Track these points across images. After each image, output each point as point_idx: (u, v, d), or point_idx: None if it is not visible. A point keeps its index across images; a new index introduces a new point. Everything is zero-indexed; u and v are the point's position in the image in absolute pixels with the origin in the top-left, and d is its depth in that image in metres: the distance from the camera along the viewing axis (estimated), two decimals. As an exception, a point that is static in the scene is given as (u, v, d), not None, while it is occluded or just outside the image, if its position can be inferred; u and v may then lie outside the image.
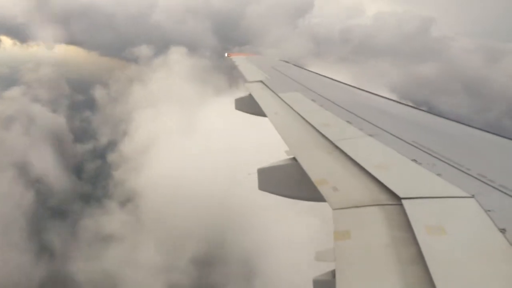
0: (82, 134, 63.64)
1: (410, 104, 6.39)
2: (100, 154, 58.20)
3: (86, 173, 55.61)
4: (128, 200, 44.39)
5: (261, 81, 7.80)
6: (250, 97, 6.98)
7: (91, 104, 69.21)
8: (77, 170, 55.08)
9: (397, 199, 2.88)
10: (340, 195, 3.15)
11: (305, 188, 3.66)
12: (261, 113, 6.05)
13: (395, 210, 2.78)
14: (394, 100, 6.63)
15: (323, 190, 3.25)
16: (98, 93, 68.96)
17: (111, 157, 55.49)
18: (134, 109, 59.25)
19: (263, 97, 6.70)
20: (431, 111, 5.83)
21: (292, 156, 4.12)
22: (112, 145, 58.07)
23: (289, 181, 4.03)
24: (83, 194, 50.19)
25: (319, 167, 3.79)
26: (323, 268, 2.66)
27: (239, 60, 10.71)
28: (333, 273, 2.35)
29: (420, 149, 3.85)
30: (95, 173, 54.85)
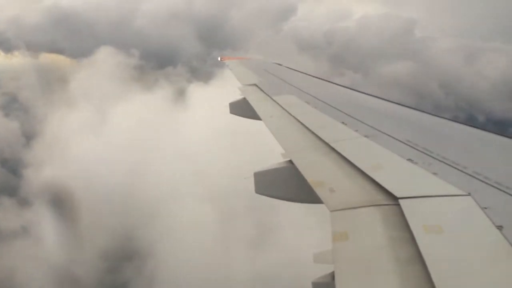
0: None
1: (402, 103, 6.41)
2: (12, 152, 56.84)
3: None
4: (38, 197, 43.28)
5: (255, 85, 7.80)
6: (245, 100, 6.98)
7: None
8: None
9: (394, 199, 2.88)
10: (337, 196, 3.15)
11: (302, 190, 3.66)
12: (256, 117, 6.05)
13: (392, 210, 2.78)
14: (388, 101, 6.65)
15: (320, 192, 3.25)
16: (28, 94, 66.79)
17: (23, 154, 54.11)
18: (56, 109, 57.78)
19: (257, 101, 6.70)
20: (426, 110, 5.85)
21: (288, 159, 4.12)
22: (25, 142, 56.68)
23: (286, 184, 4.03)
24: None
25: (316, 169, 3.79)
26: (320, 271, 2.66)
27: (232, 63, 10.71)
28: (332, 275, 2.35)
29: (416, 149, 3.86)
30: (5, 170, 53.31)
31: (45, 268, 32.16)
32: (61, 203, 38.29)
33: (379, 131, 4.49)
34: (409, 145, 3.97)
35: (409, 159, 3.59)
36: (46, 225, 36.78)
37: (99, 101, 53.15)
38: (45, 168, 46.42)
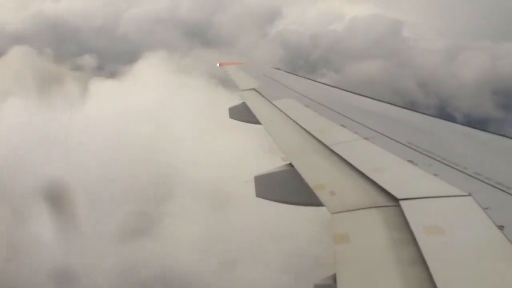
0: None
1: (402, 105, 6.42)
2: None
3: None
4: None
5: (254, 89, 7.82)
6: (244, 105, 6.99)
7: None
8: None
9: (394, 200, 2.88)
10: (338, 199, 3.16)
11: (303, 193, 3.66)
12: (256, 121, 6.06)
13: (393, 212, 2.78)
14: (388, 103, 6.67)
15: (321, 194, 3.26)
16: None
17: None
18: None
19: (257, 105, 6.72)
20: (425, 112, 5.86)
21: (288, 162, 4.13)
22: None
23: (287, 187, 4.03)
24: None
25: (316, 172, 3.79)
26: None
27: (231, 69, 10.74)
28: (333, 277, 2.34)
29: (416, 150, 3.86)
30: None
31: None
32: None
33: (379, 133, 4.50)
34: (409, 147, 3.98)
35: (409, 161, 3.59)
36: None
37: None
38: None
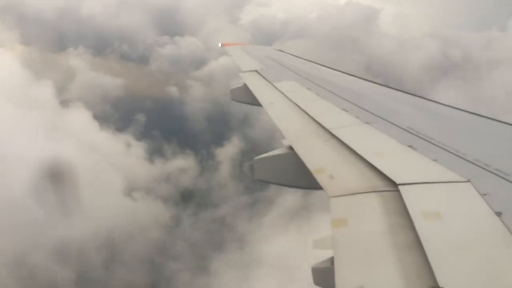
0: None
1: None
2: None
3: None
4: None
5: (256, 71, 7.76)
6: (245, 87, 6.95)
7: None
8: None
9: (393, 185, 2.90)
10: (337, 182, 3.17)
11: (302, 176, 3.67)
12: (257, 103, 6.04)
13: (392, 196, 2.79)
14: (389, 87, 6.62)
15: (320, 178, 3.26)
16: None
17: None
18: None
19: (258, 87, 6.68)
20: (426, 97, 5.83)
21: (289, 145, 4.13)
22: None
23: (286, 170, 4.04)
24: None
25: (316, 155, 3.80)
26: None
27: (233, 50, 10.64)
28: (331, 261, 2.37)
29: (416, 135, 3.86)
30: None
31: None
32: None
33: (380, 117, 4.49)
34: (409, 132, 3.97)
35: (409, 146, 3.59)
36: None
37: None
38: None
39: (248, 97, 6.70)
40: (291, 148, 4.05)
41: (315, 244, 2.75)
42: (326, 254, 2.58)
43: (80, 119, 49.07)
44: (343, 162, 3.52)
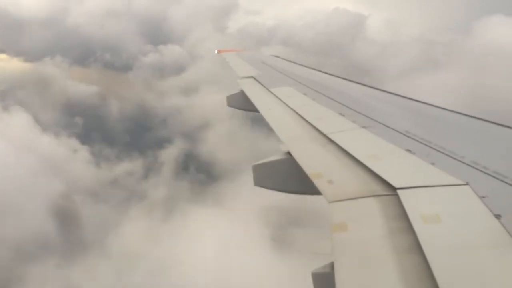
0: None
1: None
2: None
3: None
4: None
5: (253, 77, 7.78)
6: (242, 93, 6.96)
7: None
8: None
9: (392, 189, 2.89)
10: (336, 187, 3.16)
11: (301, 182, 3.67)
12: (254, 109, 6.04)
13: (390, 201, 2.79)
14: (386, 91, 6.64)
15: (319, 183, 3.26)
16: None
17: None
18: None
19: (255, 93, 6.69)
20: (423, 100, 5.85)
21: (286, 151, 4.12)
22: None
23: (284, 175, 4.04)
24: None
25: (314, 160, 3.79)
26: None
27: (229, 56, 10.67)
28: (331, 266, 2.36)
29: (414, 139, 3.86)
30: None
31: None
32: None
33: (377, 121, 4.49)
34: (407, 136, 3.98)
35: (407, 150, 3.59)
36: None
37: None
38: None
39: (245, 104, 6.71)
40: (288, 153, 4.04)
41: (315, 250, 2.74)
42: (326, 259, 2.57)
43: (21, 123, 50.04)
44: (341, 167, 3.52)
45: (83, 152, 51.88)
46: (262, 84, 7.12)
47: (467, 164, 3.20)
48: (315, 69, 8.92)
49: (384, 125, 4.36)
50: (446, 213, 2.55)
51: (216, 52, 12.09)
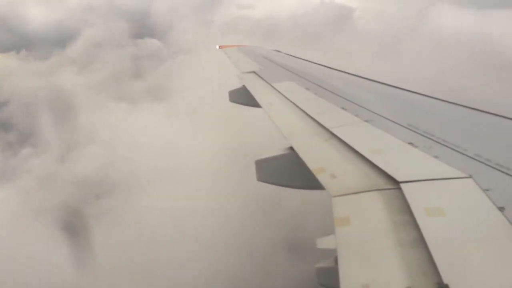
0: None
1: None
2: None
3: None
4: None
5: (254, 72, 7.77)
6: (244, 88, 6.95)
7: None
8: None
9: (395, 183, 2.89)
10: (339, 182, 3.17)
11: (304, 177, 3.67)
12: (256, 104, 6.04)
13: (394, 194, 2.79)
14: (388, 85, 6.62)
15: (322, 178, 3.26)
16: None
17: None
18: None
19: (257, 88, 6.68)
20: (425, 93, 5.82)
21: (289, 146, 4.13)
22: None
23: (287, 170, 4.04)
24: None
25: (317, 155, 3.79)
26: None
27: (231, 51, 10.64)
28: (335, 260, 2.37)
29: (416, 132, 3.86)
30: None
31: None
32: None
33: (379, 115, 4.48)
34: (409, 129, 3.97)
35: (410, 143, 3.59)
36: None
37: None
38: None
39: (247, 99, 6.70)
40: (291, 148, 4.05)
41: (319, 243, 2.75)
42: (330, 253, 2.58)
43: None
44: (344, 161, 3.52)
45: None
46: (264, 79, 7.11)
47: (470, 157, 3.20)
48: (317, 64, 8.89)
49: (387, 118, 4.36)
50: (450, 206, 2.55)
51: (217, 47, 12.04)
